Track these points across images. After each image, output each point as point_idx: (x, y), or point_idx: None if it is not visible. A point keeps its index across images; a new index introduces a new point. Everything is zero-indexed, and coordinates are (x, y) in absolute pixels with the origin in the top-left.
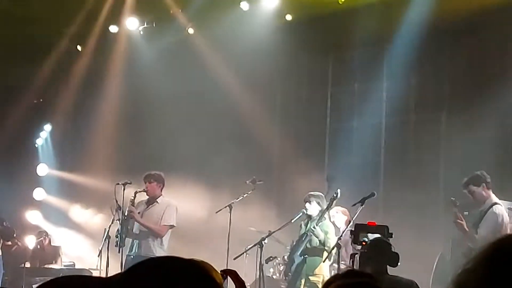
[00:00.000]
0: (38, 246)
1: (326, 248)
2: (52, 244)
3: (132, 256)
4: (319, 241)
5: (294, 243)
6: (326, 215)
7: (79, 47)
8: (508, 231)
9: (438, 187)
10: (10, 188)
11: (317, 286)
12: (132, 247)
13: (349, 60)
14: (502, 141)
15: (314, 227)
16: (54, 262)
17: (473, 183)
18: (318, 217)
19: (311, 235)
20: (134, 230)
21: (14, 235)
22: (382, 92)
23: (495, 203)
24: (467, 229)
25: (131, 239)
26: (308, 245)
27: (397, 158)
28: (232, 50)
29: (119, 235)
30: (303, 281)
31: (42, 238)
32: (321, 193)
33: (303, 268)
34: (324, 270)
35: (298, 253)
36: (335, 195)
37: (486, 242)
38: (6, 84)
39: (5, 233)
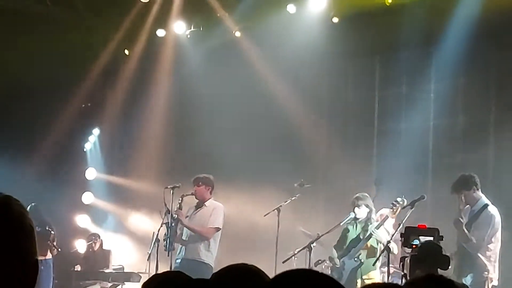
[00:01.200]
0: (90, 249)
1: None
2: (103, 247)
3: (179, 260)
4: (382, 244)
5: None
6: (374, 217)
7: (126, 51)
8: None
9: (487, 190)
10: (59, 192)
11: None
12: (180, 251)
13: (396, 62)
14: None
15: (374, 231)
16: (105, 266)
17: (464, 188)
18: (366, 219)
19: (368, 238)
20: (182, 234)
21: (50, 239)
22: (429, 94)
23: (487, 204)
24: (465, 229)
25: (179, 244)
26: (365, 248)
27: (445, 161)
28: (279, 53)
29: (167, 239)
30: (359, 282)
31: (92, 241)
32: (367, 194)
33: (357, 271)
34: (375, 274)
35: (353, 257)
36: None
37: (482, 244)
38: (55, 88)
39: (41, 237)
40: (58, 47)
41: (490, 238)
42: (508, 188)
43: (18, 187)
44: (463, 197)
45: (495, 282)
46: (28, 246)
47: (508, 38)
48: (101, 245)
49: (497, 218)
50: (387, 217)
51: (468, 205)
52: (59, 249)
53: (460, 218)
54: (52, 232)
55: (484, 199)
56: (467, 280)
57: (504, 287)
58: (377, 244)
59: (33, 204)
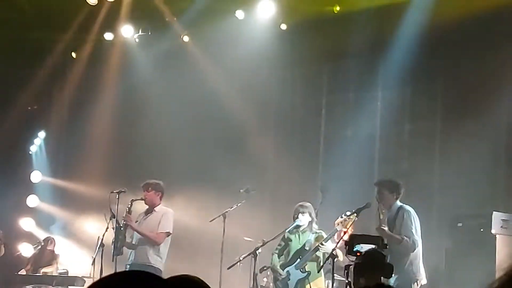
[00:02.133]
0: (38, 251)
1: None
2: (54, 251)
3: (129, 264)
4: (326, 254)
5: (277, 253)
6: (315, 226)
7: (73, 54)
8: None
9: (432, 198)
10: (3, 194)
11: None
12: (130, 256)
13: (344, 69)
14: (495, 153)
15: (322, 244)
16: (48, 265)
17: (389, 189)
18: (308, 228)
19: (316, 250)
20: (132, 239)
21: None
22: (377, 102)
23: (402, 205)
24: (390, 233)
25: (129, 249)
26: (312, 260)
27: (391, 168)
28: (227, 58)
29: (114, 244)
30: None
31: (48, 241)
32: (309, 204)
33: (305, 281)
34: (321, 281)
35: (299, 267)
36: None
37: (414, 238)
38: (0, 90)
39: None
40: (5, 47)
41: (416, 232)
42: (453, 196)
43: None
44: (380, 199)
45: (423, 281)
46: None
47: (454, 48)
48: (54, 246)
49: (413, 213)
50: (336, 230)
51: (384, 213)
52: (8, 249)
53: (382, 226)
54: (0, 231)
55: (398, 203)
56: (391, 281)
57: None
58: (324, 256)
59: None
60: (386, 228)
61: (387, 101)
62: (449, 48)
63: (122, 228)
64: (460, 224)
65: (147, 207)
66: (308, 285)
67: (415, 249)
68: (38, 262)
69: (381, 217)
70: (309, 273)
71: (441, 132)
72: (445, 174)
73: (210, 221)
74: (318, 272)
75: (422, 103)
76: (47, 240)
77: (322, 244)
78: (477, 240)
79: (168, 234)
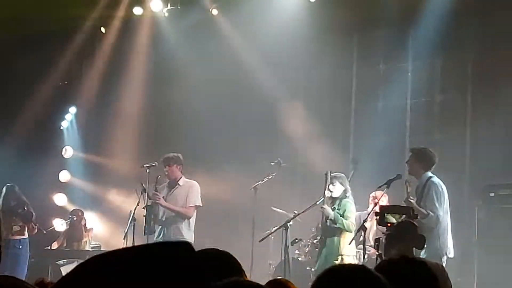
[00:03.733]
0: (69, 225)
1: (338, 225)
2: (86, 225)
3: (161, 240)
4: (330, 220)
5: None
6: (349, 195)
7: (103, 29)
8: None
9: (464, 168)
10: (36, 170)
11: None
12: (160, 233)
13: (374, 40)
14: None
15: (322, 206)
16: (81, 239)
17: (419, 159)
18: (340, 198)
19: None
20: (160, 216)
21: (32, 219)
22: (407, 73)
23: (431, 176)
24: (417, 206)
25: (159, 225)
26: (327, 226)
27: (422, 139)
28: (255, 31)
29: (147, 222)
30: (321, 262)
31: (75, 215)
32: (342, 174)
33: (322, 249)
34: (344, 250)
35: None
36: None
37: (439, 213)
38: (31, 66)
39: (24, 217)
40: (35, 24)
41: (441, 206)
42: (485, 166)
43: None
44: (408, 167)
45: (451, 254)
46: None
47: (487, 16)
48: (85, 223)
49: (441, 187)
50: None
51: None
52: (40, 229)
53: (410, 199)
54: (33, 212)
55: (429, 174)
56: (421, 255)
57: (461, 259)
58: (330, 222)
59: (9, 184)
60: (414, 201)
61: (417, 72)
62: (480, 17)
63: (152, 206)
64: (492, 194)
65: (168, 181)
66: (324, 250)
67: (437, 224)
68: (71, 237)
69: (408, 189)
70: (325, 239)
71: (472, 102)
72: (477, 144)
73: (243, 193)
74: (349, 244)
75: (453, 73)
76: (76, 213)
77: (322, 207)
78: (509, 210)
79: (197, 207)
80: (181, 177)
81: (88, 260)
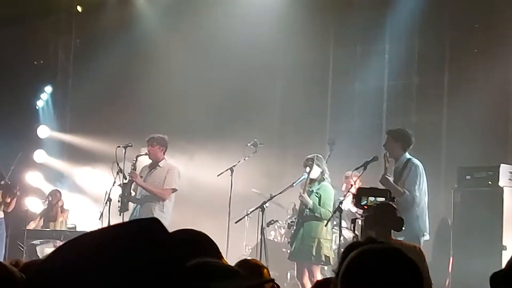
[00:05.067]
0: (46, 206)
1: (316, 214)
2: (63, 206)
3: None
4: (309, 208)
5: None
6: (327, 178)
7: (79, 8)
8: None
9: (441, 151)
10: (10, 150)
11: (310, 248)
12: (134, 211)
13: (351, 22)
14: (504, 105)
15: (301, 196)
16: (57, 220)
17: (397, 139)
18: (318, 180)
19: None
20: (137, 195)
21: (17, 189)
22: (384, 55)
23: (410, 158)
24: (394, 184)
25: (134, 203)
26: (305, 210)
27: (399, 121)
28: (233, 12)
29: (121, 200)
30: (298, 243)
31: (52, 196)
32: (319, 155)
33: (299, 231)
34: (320, 233)
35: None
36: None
37: (414, 194)
38: (6, 45)
39: (9, 188)
40: (9, 3)
41: (420, 187)
42: (462, 149)
43: None
44: (387, 152)
45: (427, 237)
46: None
47: None
48: (62, 203)
49: (421, 168)
50: (302, 176)
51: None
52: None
53: (387, 175)
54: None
55: (407, 155)
56: (398, 237)
57: (437, 241)
58: (309, 211)
59: None
60: (391, 178)
61: (394, 54)
62: None
63: (127, 184)
64: (468, 177)
65: (150, 161)
66: (301, 232)
67: (413, 204)
68: (47, 217)
69: (386, 165)
70: (303, 222)
71: (449, 84)
72: (453, 126)
73: (218, 175)
74: (325, 225)
75: (430, 55)
76: (54, 194)
77: (301, 197)
78: (485, 192)
79: (174, 190)
80: (162, 159)
81: (63, 245)
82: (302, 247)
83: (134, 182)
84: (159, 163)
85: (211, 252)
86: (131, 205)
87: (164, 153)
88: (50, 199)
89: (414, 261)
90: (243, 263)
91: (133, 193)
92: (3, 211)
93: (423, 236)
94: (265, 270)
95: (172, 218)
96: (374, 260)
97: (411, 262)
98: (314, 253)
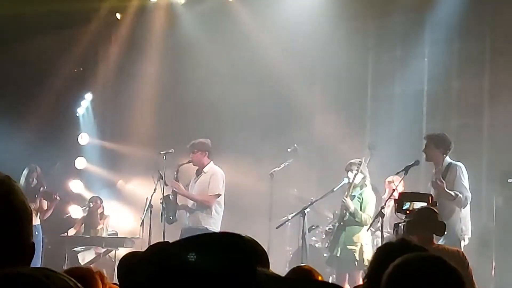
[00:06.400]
0: (87, 212)
1: (357, 219)
2: (104, 212)
3: (185, 229)
4: (350, 213)
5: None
6: (368, 183)
7: (118, 16)
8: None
9: (482, 155)
10: (52, 157)
11: (353, 254)
12: (187, 220)
13: (390, 25)
14: None
15: (344, 199)
16: (98, 226)
17: (437, 144)
18: (359, 185)
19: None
20: (180, 204)
21: (56, 196)
22: (424, 58)
23: (451, 162)
24: (446, 189)
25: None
26: (346, 214)
27: (439, 125)
28: (272, 18)
29: (163, 211)
30: (340, 248)
31: (93, 202)
32: (361, 160)
33: (340, 236)
34: (363, 239)
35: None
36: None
37: (467, 194)
38: (46, 53)
39: (47, 195)
40: (49, 11)
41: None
42: (502, 154)
43: (9, 153)
44: (426, 154)
45: (467, 241)
46: (27, 229)
47: (503, 1)
48: (101, 206)
49: (464, 169)
50: (343, 182)
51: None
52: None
53: (438, 180)
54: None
55: (448, 159)
56: (440, 241)
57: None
58: (348, 215)
59: (32, 164)
60: (444, 184)
61: (434, 57)
62: (496, 2)
63: (171, 196)
64: (510, 180)
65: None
66: (343, 237)
67: (466, 205)
68: (88, 223)
69: (435, 169)
70: (344, 227)
71: (489, 88)
72: (494, 130)
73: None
74: (367, 230)
75: (470, 59)
76: (95, 201)
77: (344, 200)
78: None
79: (218, 195)
80: (208, 163)
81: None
82: (345, 252)
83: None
84: (204, 169)
85: (264, 260)
86: (182, 214)
87: (208, 157)
88: (91, 205)
89: (457, 270)
90: (297, 270)
91: (180, 203)
92: (40, 218)
93: (465, 240)
94: (320, 277)
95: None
96: (417, 269)
97: (453, 272)
98: (357, 258)
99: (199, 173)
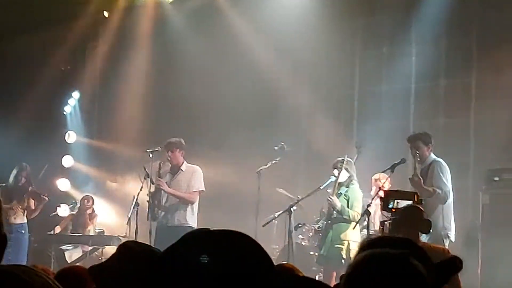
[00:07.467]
0: (77, 210)
1: (345, 216)
2: (94, 211)
3: (167, 226)
4: (337, 210)
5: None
6: (355, 181)
7: (106, 14)
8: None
9: (469, 153)
10: (39, 155)
11: (340, 252)
12: (165, 218)
13: (377, 24)
14: None
15: (330, 198)
16: (86, 225)
17: (422, 141)
18: (345, 183)
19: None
20: (164, 202)
21: (44, 196)
22: (411, 57)
23: (435, 159)
24: (424, 185)
25: (163, 211)
26: (334, 212)
27: (427, 123)
28: (259, 16)
29: (151, 208)
30: (327, 247)
31: (85, 201)
32: (348, 158)
33: (328, 235)
34: (350, 236)
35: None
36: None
37: (446, 190)
38: (33, 51)
39: (36, 195)
40: (36, 9)
41: (449, 182)
42: (490, 150)
43: None
44: (416, 148)
45: (452, 238)
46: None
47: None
48: (92, 205)
49: (444, 165)
50: (330, 180)
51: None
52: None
53: (415, 176)
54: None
55: (433, 156)
56: (422, 238)
57: (465, 244)
58: (336, 213)
59: (24, 163)
60: (421, 180)
61: (421, 56)
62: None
63: (156, 193)
64: (496, 179)
65: (170, 166)
66: (330, 235)
67: (446, 201)
68: (77, 224)
69: (416, 165)
70: (331, 225)
71: (476, 86)
72: (481, 128)
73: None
74: (353, 228)
75: (457, 57)
76: (87, 199)
77: (330, 198)
78: None
79: (200, 192)
80: (183, 162)
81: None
82: (332, 251)
83: (162, 190)
84: (181, 167)
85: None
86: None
87: (183, 156)
88: (81, 205)
89: (422, 274)
90: (279, 268)
91: (162, 200)
92: (26, 217)
93: (448, 236)
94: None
95: (201, 223)
96: (377, 268)
97: (418, 276)
98: (344, 256)
99: (175, 171)
